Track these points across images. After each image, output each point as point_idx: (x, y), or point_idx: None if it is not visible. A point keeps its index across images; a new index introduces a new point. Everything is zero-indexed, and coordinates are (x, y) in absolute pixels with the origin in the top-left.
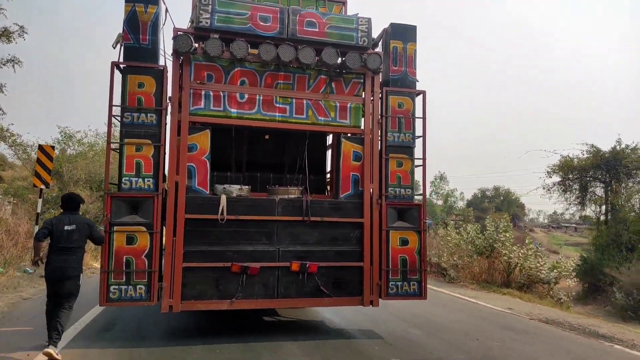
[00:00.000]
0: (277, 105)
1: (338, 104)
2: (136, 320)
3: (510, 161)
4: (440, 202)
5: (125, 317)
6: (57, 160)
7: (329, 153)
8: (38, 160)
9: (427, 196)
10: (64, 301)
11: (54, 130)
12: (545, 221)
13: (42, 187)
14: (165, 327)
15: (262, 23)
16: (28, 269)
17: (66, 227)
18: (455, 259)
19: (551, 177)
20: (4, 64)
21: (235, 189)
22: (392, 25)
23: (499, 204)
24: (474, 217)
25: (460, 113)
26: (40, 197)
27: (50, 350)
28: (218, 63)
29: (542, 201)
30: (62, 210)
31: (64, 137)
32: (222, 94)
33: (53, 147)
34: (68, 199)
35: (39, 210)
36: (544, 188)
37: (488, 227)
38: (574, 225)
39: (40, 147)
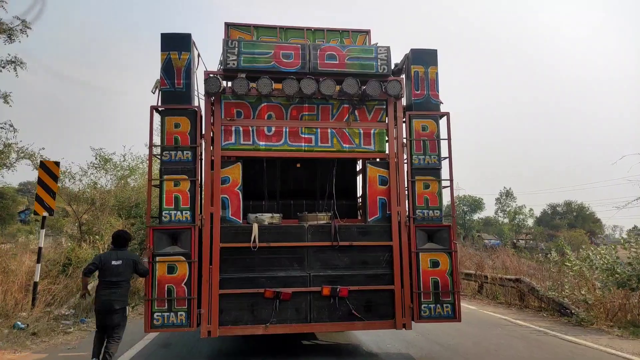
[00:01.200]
0: (303, 135)
1: (362, 131)
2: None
3: (588, 173)
4: (507, 220)
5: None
6: (91, 190)
7: (359, 178)
8: (39, 181)
9: (493, 214)
10: (112, 332)
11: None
12: (624, 237)
13: (45, 214)
14: (214, 349)
15: (284, 60)
16: (20, 323)
17: (113, 262)
18: (583, 292)
19: None
20: (3, 66)
21: (267, 217)
22: (412, 50)
23: (572, 220)
24: (546, 236)
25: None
26: (42, 227)
27: None
28: (246, 100)
29: (617, 215)
30: (112, 246)
31: (100, 160)
32: (250, 129)
33: (57, 164)
34: (117, 237)
35: (41, 244)
36: None
37: (627, 248)
38: None
39: (42, 165)
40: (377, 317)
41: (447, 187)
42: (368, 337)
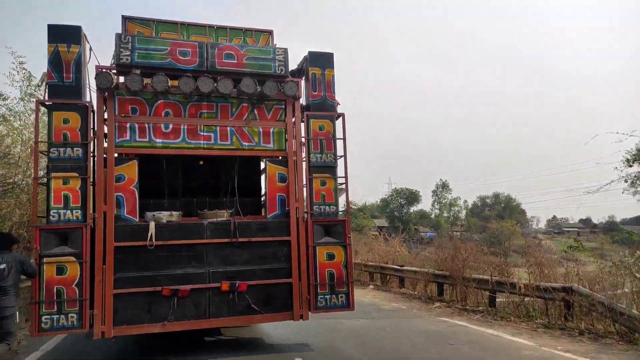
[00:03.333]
0: (202, 133)
1: (261, 129)
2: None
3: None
4: (444, 213)
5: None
6: None
7: (264, 176)
8: None
9: (430, 206)
10: (2, 339)
11: None
12: (543, 227)
13: None
14: (112, 350)
15: (181, 57)
16: None
17: None
18: None
19: (632, 165)
20: None
21: (165, 215)
22: (310, 53)
23: (500, 211)
24: (479, 227)
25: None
26: None
27: None
28: (141, 96)
29: (535, 206)
30: None
31: None
32: (146, 126)
33: None
34: None
35: None
36: (626, 180)
37: None
38: (576, 229)
39: None
40: (275, 310)
41: (343, 184)
42: (271, 331)
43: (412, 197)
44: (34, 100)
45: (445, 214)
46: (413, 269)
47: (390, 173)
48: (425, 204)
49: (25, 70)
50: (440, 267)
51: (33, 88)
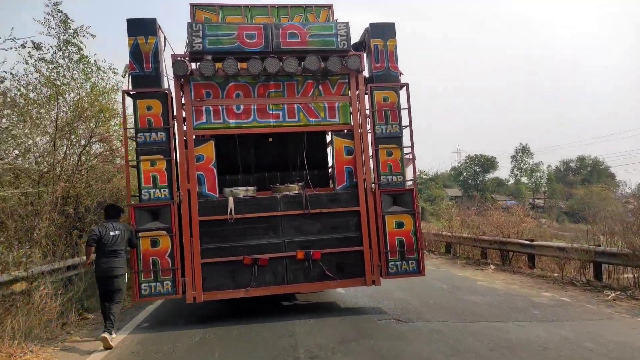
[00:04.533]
0: (271, 112)
1: (327, 104)
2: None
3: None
4: (524, 179)
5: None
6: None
7: (330, 149)
8: None
9: (508, 173)
10: (114, 296)
11: None
12: (633, 190)
13: None
14: (206, 313)
15: (248, 40)
16: None
17: (111, 233)
18: None
19: None
20: None
21: (241, 191)
22: (371, 24)
23: (587, 176)
24: (564, 194)
25: None
26: None
27: (105, 335)
28: (214, 81)
29: (624, 170)
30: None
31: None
32: (220, 108)
33: None
34: (110, 208)
35: None
36: None
37: None
38: None
39: None
40: (348, 276)
41: (408, 154)
42: (342, 297)
43: (488, 163)
44: (73, 50)
45: (525, 180)
46: (554, 244)
47: (458, 141)
48: (502, 172)
49: (61, 12)
50: (607, 242)
51: (71, 34)
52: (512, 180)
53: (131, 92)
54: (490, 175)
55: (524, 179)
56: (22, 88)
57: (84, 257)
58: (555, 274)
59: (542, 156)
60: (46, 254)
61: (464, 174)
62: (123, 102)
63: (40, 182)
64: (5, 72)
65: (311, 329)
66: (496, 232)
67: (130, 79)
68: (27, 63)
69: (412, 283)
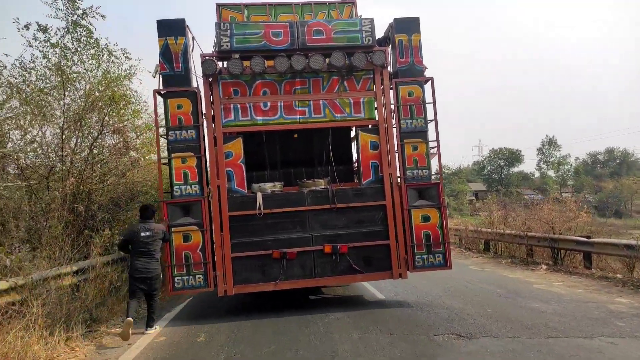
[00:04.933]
0: (297, 108)
1: (352, 100)
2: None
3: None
4: (551, 173)
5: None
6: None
7: (354, 144)
8: None
9: (535, 166)
10: (152, 293)
11: None
12: None
13: None
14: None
15: (274, 38)
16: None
17: (143, 234)
18: None
19: None
20: None
21: (269, 186)
22: (396, 20)
23: (615, 168)
24: (593, 187)
25: None
26: None
27: (149, 331)
28: (241, 79)
29: None
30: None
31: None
32: (248, 105)
33: None
34: (144, 209)
35: None
36: None
37: None
38: None
39: None
40: (375, 269)
41: (434, 147)
42: (368, 292)
43: (513, 157)
44: (83, 32)
45: (552, 174)
46: (621, 241)
47: (480, 134)
48: (528, 165)
49: None
50: None
51: (80, 15)
52: (537, 174)
53: (162, 92)
54: (515, 169)
55: (551, 173)
56: (26, 74)
57: (97, 259)
58: (619, 275)
59: (570, 149)
60: (52, 257)
61: (488, 167)
62: (155, 102)
63: (49, 178)
64: (7, 56)
65: (356, 348)
66: (546, 228)
67: (161, 79)
68: (31, 46)
69: (459, 286)
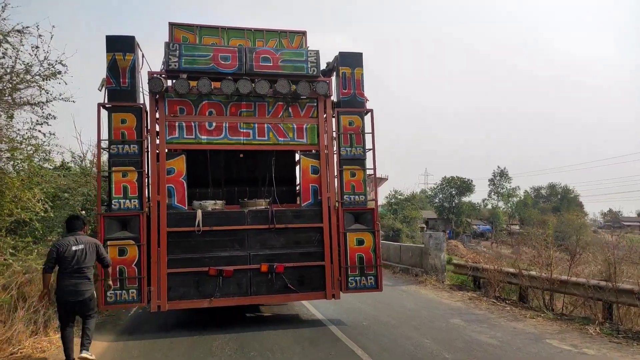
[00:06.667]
0: (242, 130)
1: (295, 126)
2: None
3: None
4: (501, 204)
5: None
6: None
7: (298, 167)
8: None
9: (485, 196)
10: (87, 314)
11: None
12: (600, 220)
13: None
14: (176, 321)
15: (222, 62)
16: None
17: (74, 248)
18: None
19: None
20: None
21: (210, 204)
22: (341, 53)
23: (557, 204)
24: (537, 221)
25: None
26: None
27: (85, 355)
28: (188, 98)
29: (588, 199)
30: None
31: None
32: (193, 124)
33: None
34: (71, 220)
35: None
36: None
37: None
38: (637, 223)
39: None
40: (310, 289)
41: (371, 175)
42: (304, 310)
43: (464, 186)
44: None
45: (501, 205)
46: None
47: (425, 165)
48: (478, 195)
49: None
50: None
51: None
52: (489, 205)
53: (107, 105)
54: (466, 199)
55: (501, 204)
56: None
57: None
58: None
59: (519, 181)
60: None
61: (440, 195)
62: (98, 115)
63: None
64: None
65: None
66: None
67: (106, 93)
68: None
69: None
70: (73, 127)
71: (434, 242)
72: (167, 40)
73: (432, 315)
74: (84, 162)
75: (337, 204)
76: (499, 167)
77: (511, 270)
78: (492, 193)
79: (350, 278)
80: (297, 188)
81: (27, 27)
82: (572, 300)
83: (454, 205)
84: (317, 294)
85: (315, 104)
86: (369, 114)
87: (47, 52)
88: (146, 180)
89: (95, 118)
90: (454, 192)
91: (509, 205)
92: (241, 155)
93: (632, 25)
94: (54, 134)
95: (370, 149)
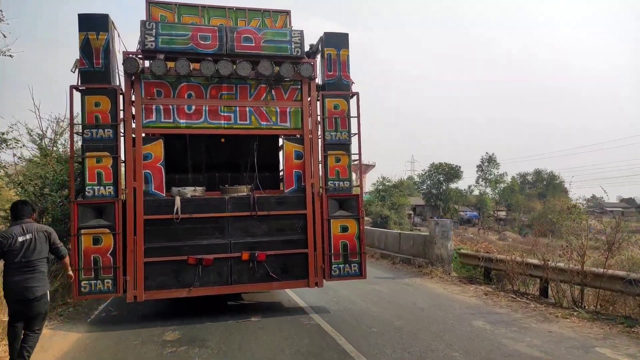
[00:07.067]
0: (222, 114)
1: (278, 109)
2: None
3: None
4: (488, 190)
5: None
6: None
7: (282, 152)
8: None
9: (474, 183)
10: (34, 323)
11: None
12: (583, 206)
13: None
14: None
15: (202, 42)
16: None
17: (20, 239)
18: None
19: None
20: None
21: (189, 190)
22: (326, 34)
23: (542, 190)
24: (526, 207)
25: None
26: None
27: None
28: (165, 80)
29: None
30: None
31: None
32: (171, 107)
33: None
34: (16, 206)
35: None
36: None
37: None
38: (620, 209)
39: None
40: (292, 278)
41: (356, 160)
42: (288, 297)
43: (452, 173)
44: None
45: (489, 191)
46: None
47: (412, 151)
48: (465, 182)
49: None
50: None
51: None
52: (476, 191)
53: (80, 88)
54: (454, 185)
55: (488, 190)
56: None
57: None
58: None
59: (506, 167)
60: None
61: (428, 182)
62: (70, 97)
63: None
64: None
65: None
66: None
67: (79, 75)
68: None
69: None
70: (30, 99)
71: (441, 230)
72: (144, 19)
73: (450, 317)
74: (43, 141)
75: (321, 190)
76: (487, 153)
77: (534, 261)
78: (480, 179)
79: (334, 265)
80: (281, 174)
81: None
82: (601, 295)
83: (441, 191)
84: (300, 282)
85: (299, 87)
86: (355, 97)
87: None
88: (122, 166)
89: (66, 98)
90: (442, 179)
91: (496, 191)
92: (222, 140)
93: None
94: None
95: (355, 134)
